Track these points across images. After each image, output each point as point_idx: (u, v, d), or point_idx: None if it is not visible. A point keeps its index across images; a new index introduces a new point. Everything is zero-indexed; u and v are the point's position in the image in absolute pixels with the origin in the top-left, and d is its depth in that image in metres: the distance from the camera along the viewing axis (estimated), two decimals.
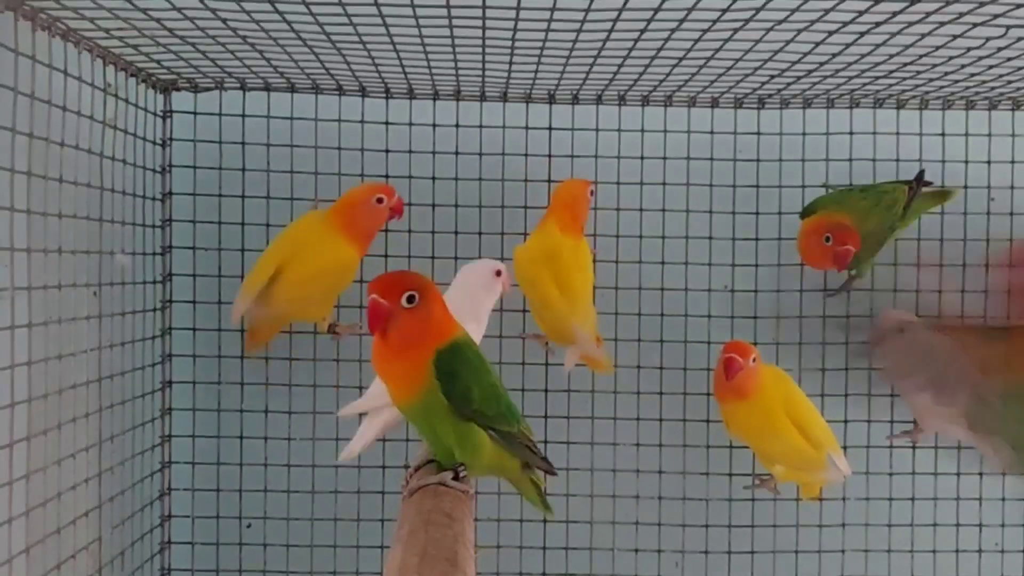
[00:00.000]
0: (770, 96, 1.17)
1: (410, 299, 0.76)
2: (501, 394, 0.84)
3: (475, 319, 1.02)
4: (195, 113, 1.16)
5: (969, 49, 0.90)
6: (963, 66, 0.97)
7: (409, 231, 1.19)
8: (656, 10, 0.77)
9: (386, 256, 1.18)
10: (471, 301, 1.03)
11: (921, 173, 1.15)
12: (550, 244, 1.09)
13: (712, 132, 1.22)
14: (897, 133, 1.22)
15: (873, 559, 1.24)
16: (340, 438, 1.20)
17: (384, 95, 1.18)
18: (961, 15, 0.79)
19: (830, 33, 0.85)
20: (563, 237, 1.10)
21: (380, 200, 1.08)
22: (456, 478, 0.82)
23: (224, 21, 0.84)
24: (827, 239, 1.11)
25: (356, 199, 1.08)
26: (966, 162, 1.22)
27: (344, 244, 1.07)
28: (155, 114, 1.14)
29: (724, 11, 0.78)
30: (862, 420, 1.23)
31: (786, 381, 1.10)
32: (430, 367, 0.78)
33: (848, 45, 0.89)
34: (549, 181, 1.20)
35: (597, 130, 1.21)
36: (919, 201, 1.15)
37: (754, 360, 1.06)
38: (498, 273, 1.06)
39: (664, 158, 1.21)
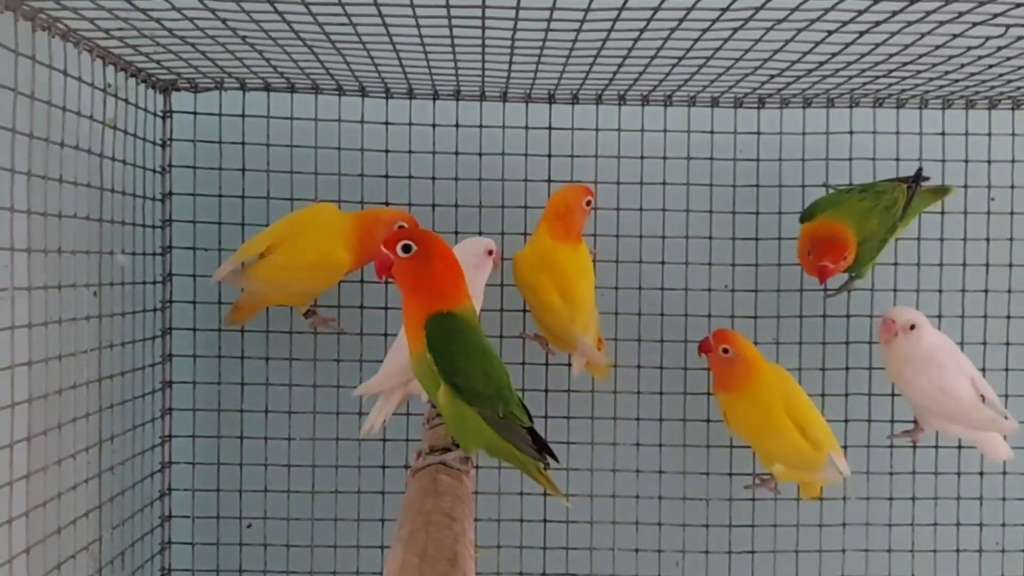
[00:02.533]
0: (770, 96, 1.17)
1: (405, 248, 0.81)
2: (492, 375, 0.84)
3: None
4: (195, 113, 1.16)
5: (969, 48, 0.90)
6: (963, 65, 0.97)
7: None
8: (656, 9, 0.77)
9: None
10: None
11: (919, 171, 1.15)
12: (546, 251, 1.09)
13: (712, 132, 1.22)
14: (897, 132, 1.22)
15: (874, 559, 1.24)
16: (340, 438, 1.20)
17: (384, 95, 1.18)
18: (961, 14, 0.79)
19: (830, 32, 0.85)
20: (557, 244, 1.09)
21: (401, 227, 1.06)
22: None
23: (224, 21, 0.84)
24: (809, 252, 1.10)
25: (381, 219, 1.07)
26: (966, 161, 1.22)
27: (343, 248, 1.06)
28: (155, 114, 1.14)
29: (724, 10, 0.78)
30: (862, 419, 1.23)
31: (787, 380, 1.10)
32: (422, 331, 0.82)
33: (848, 44, 0.89)
34: (549, 181, 1.20)
35: (597, 130, 1.21)
36: (918, 199, 1.15)
37: (725, 351, 1.06)
38: (490, 252, 1.07)
39: (664, 158, 1.21)
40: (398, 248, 0.81)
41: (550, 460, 0.89)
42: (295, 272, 1.06)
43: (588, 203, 1.10)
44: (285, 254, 1.06)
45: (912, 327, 1.10)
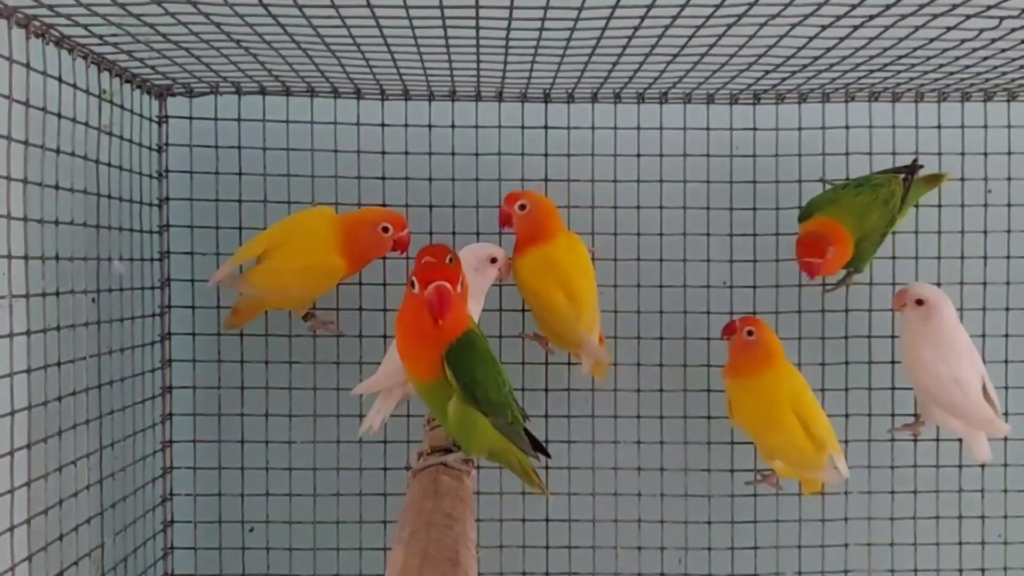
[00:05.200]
0: (765, 91, 1.17)
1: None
2: (503, 384, 0.87)
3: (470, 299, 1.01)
4: (191, 118, 1.16)
5: (963, 41, 0.90)
6: (957, 58, 0.97)
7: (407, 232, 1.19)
8: (649, 7, 0.77)
9: (384, 258, 1.18)
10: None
11: (915, 161, 1.15)
12: (543, 254, 1.08)
13: (708, 128, 1.22)
14: (893, 127, 1.21)
15: (876, 552, 1.24)
16: (341, 440, 1.20)
17: (379, 97, 1.18)
18: (954, 7, 0.79)
19: (824, 27, 0.85)
20: (546, 247, 1.08)
21: (385, 229, 1.05)
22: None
23: (218, 25, 0.84)
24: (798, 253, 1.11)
25: (364, 219, 1.06)
26: (962, 154, 1.22)
27: (335, 253, 1.05)
28: (151, 119, 1.14)
29: (717, 7, 0.78)
30: (863, 414, 1.23)
31: (799, 380, 1.10)
32: (443, 356, 0.82)
33: (842, 39, 0.89)
34: (545, 180, 1.20)
35: (593, 128, 1.21)
36: (914, 189, 1.15)
37: (749, 332, 1.08)
38: (493, 260, 1.07)
39: (660, 155, 1.21)
40: (458, 287, 0.79)
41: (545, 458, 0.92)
42: (291, 277, 1.06)
43: (522, 207, 1.08)
44: (281, 259, 1.05)
45: (919, 302, 1.10)
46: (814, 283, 1.22)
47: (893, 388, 1.23)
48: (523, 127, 1.20)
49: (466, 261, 1.05)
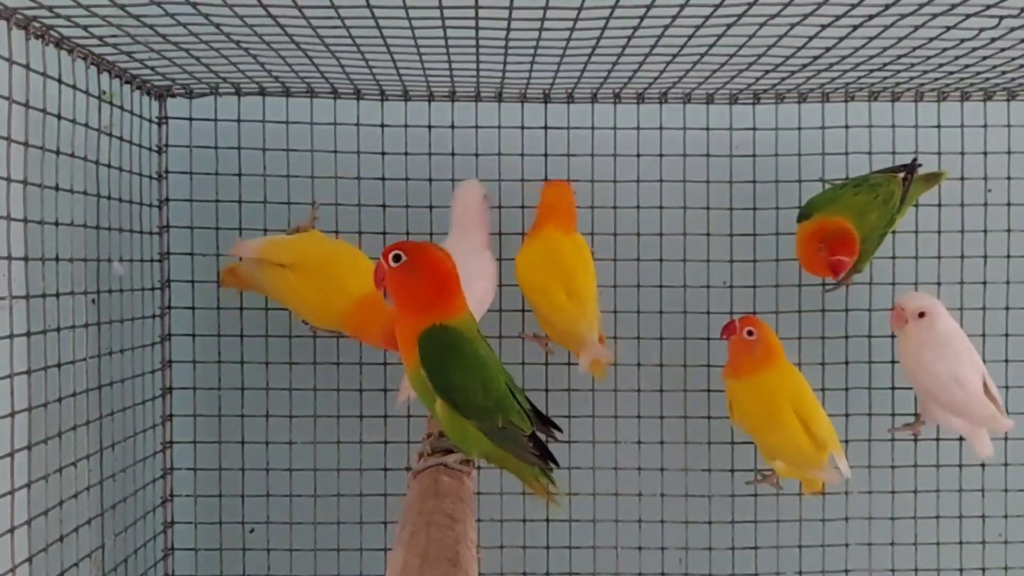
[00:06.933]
0: (765, 91, 1.17)
1: (396, 258, 0.82)
2: (491, 387, 0.83)
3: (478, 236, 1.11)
4: (191, 119, 1.16)
5: (962, 40, 0.90)
6: (957, 57, 0.97)
7: (407, 233, 1.19)
8: (649, 7, 0.77)
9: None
10: (470, 218, 1.11)
11: (914, 161, 1.15)
12: (553, 248, 1.09)
13: (708, 128, 1.22)
14: (892, 126, 1.21)
15: (876, 552, 1.24)
16: (341, 441, 1.20)
17: (379, 97, 1.18)
18: (954, 6, 0.79)
19: (823, 27, 0.85)
20: (563, 237, 1.09)
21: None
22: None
23: (217, 26, 0.84)
24: (821, 248, 1.09)
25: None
26: (962, 153, 1.22)
27: (344, 310, 1.00)
28: (150, 120, 1.14)
29: (716, 7, 0.78)
30: (863, 413, 1.23)
31: (799, 379, 1.10)
32: (416, 346, 0.81)
33: (841, 39, 0.90)
34: (545, 181, 1.20)
35: (592, 128, 1.21)
36: (913, 188, 1.15)
37: (750, 332, 1.07)
38: (485, 197, 1.12)
39: (660, 155, 1.21)
40: (389, 259, 0.81)
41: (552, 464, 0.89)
42: (300, 299, 1.04)
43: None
44: (299, 280, 1.03)
45: (921, 315, 1.10)
46: (814, 283, 1.22)
47: (893, 388, 1.23)
48: (523, 127, 1.20)
49: (464, 206, 1.11)
